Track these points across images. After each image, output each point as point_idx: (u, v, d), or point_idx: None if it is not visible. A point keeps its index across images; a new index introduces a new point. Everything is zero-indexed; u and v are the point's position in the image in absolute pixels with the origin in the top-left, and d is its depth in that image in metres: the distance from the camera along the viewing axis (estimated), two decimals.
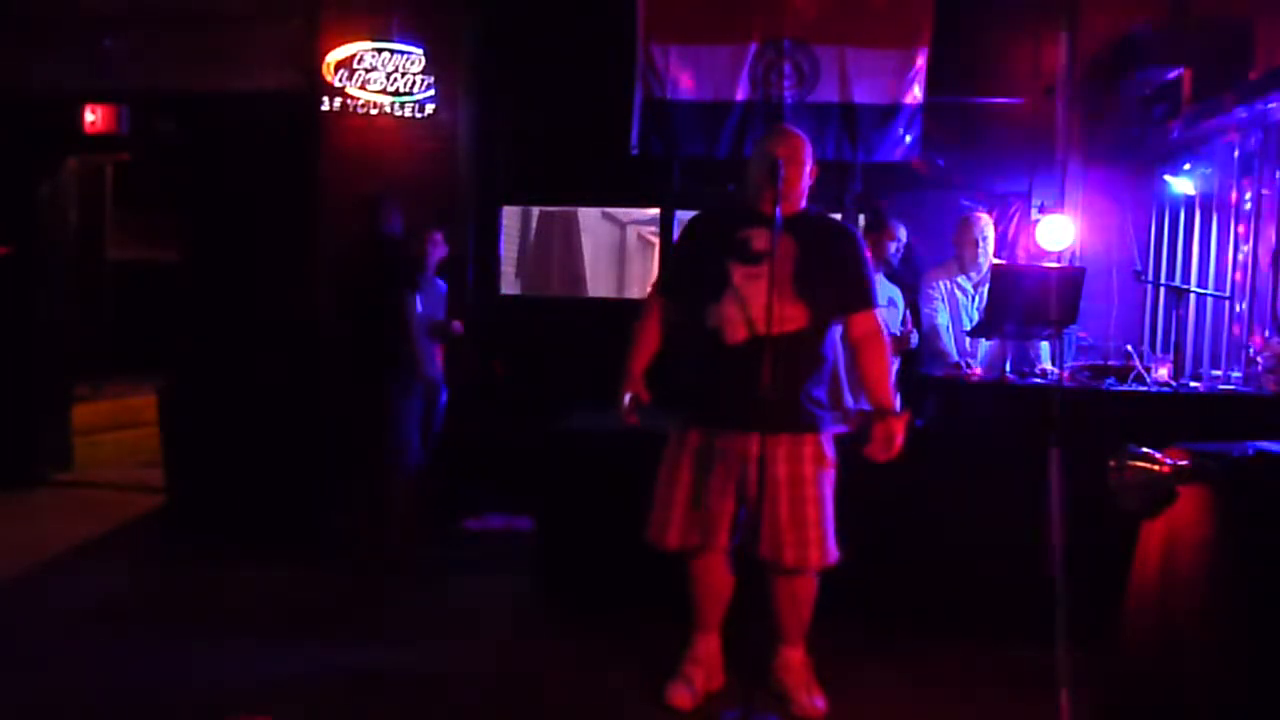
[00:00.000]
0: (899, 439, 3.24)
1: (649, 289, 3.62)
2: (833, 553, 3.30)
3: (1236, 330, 5.01)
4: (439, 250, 5.29)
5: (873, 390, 3.35)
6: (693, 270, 3.38)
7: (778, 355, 3.14)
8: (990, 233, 5.08)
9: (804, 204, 3.38)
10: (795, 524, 3.24)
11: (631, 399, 3.42)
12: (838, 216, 5.67)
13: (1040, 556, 3.94)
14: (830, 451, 3.36)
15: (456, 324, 5.30)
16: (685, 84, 5.80)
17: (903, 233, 5.07)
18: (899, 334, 4.96)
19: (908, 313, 5.04)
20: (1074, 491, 3.73)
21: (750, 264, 3.22)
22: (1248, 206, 4.99)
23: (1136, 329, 5.55)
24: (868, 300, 3.35)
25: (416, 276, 5.10)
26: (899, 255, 5.07)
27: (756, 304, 3.15)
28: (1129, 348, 4.61)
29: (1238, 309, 5.02)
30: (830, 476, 3.34)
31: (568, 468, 4.44)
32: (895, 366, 5.05)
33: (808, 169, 3.33)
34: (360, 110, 5.87)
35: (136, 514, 6.14)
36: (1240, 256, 5.04)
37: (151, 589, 4.75)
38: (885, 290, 4.93)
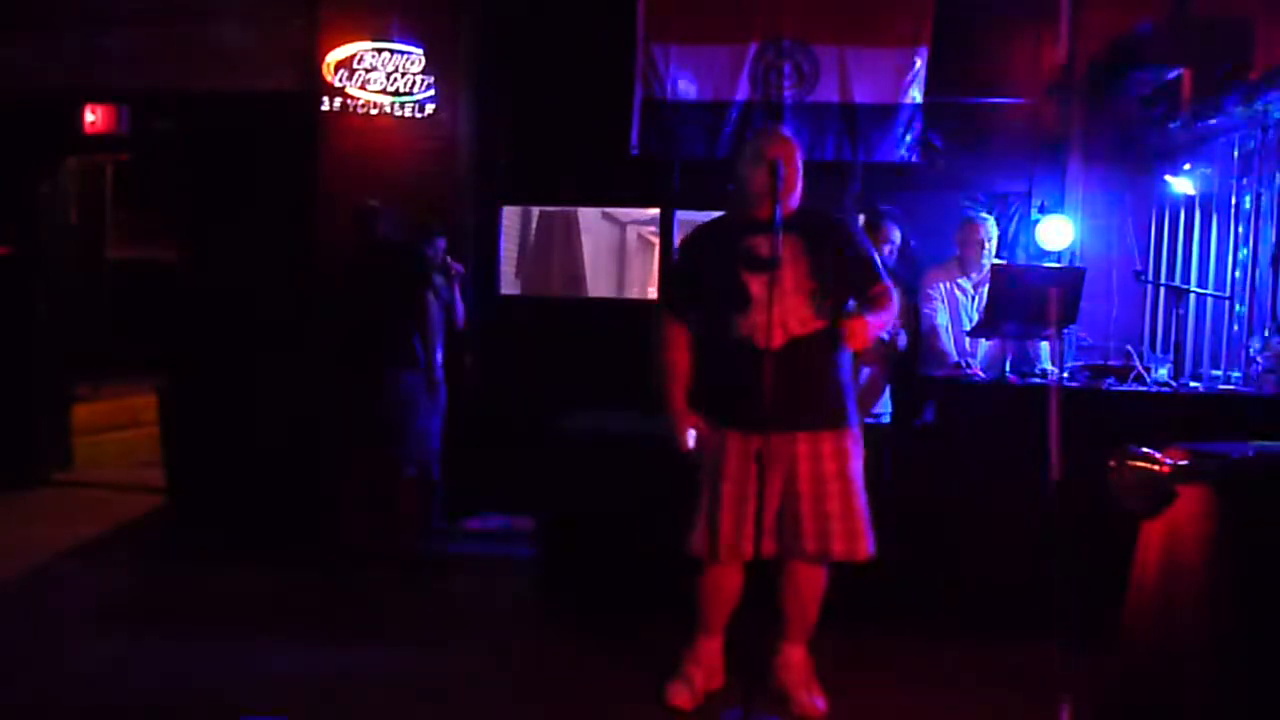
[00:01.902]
0: (867, 331, 3.26)
1: (659, 313, 3.54)
2: (873, 542, 3.32)
3: (1236, 330, 5.01)
4: (439, 255, 5.32)
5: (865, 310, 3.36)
6: (704, 284, 3.39)
7: (810, 355, 3.24)
8: (993, 233, 5.08)
9: (796, 203, 3.38)
10: (845, 515, 3.28)
11: (689, 431, 3.38)
12: None
13: (1040, 556, 3.95)
14: (862, 442, 3.40)
15: (458, 266, 5.36)
16: (685, 84, 5.80)
17: (897, 235, 5.08)
18: (887, 338, 4.96)
19: (898, 315, 5.05)
20: (1074, 491, 3.74)
21: (763, 271, 3.23)
22: (1248, 206, 4.99)
23: (1136, 329, 5.55)
24: (876, 275, 3.40)
25: (434, 277, 5.14)
26: (893, 258, 5.08)
27: (779, 309, 3.17)
28: (1129, 348, 4.61)
29: (1238, 309, 5.02)
30: (862, 466, 3.38)
31: (568, 468, 4.43)
32: (880, 370, 5.08)
33: (800, 169, 3.35)
34: (360, 110, 5.87)
35: (136, 514, 6.14)
36: (1240, 256, 5.04)
37: (151, 589, 4.75)
38: None
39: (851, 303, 3.39)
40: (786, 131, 3.46)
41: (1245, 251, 5.00)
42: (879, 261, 3.46)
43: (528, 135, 6.13)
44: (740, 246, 3.32)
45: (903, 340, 4.95)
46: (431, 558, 5.07)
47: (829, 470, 3.29)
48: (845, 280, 3.35)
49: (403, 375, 4.96)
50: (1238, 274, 5.05)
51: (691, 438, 3.37)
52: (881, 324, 3.38)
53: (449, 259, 5.43)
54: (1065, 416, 3.98)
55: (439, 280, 5.29)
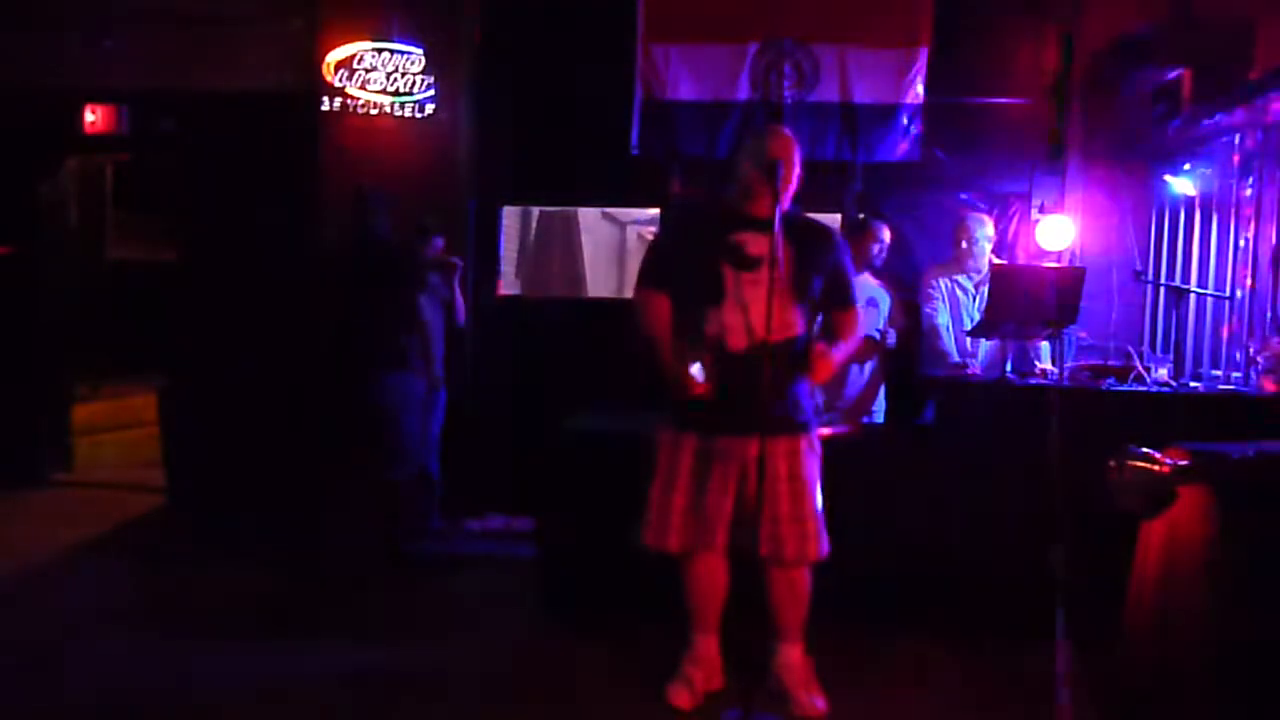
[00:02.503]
0: (833, 369, 3.36)
1: (638, 290, 3.50)
2: (826, 544, 3.35)
3: (1235, 329, 5.01)
4: (437, 254, 5.33)
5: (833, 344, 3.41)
6: (684, 270, 3.37)
7: (778, 360, 3.20)
8: (990, 232, 5.08)
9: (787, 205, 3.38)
10: (796, 519, 3.29)
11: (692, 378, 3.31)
12: (838, 217, 5.67)
13: (1041, 557, 3.95)
14: (819, 446, 3.42)
15: (457, 261, 5.36)
16: (685, 84, 5.80)
17: (886, 234, 5.08)
18: (877, 336, 4.97)
19: (889, 313, 5.05)
20: (1074, 491, 3.74)
21: (749, 270, 3.22)
22: (1247, 206, 4.99)
23: (1136, 329, 5.54)
24: (849, 301, 3.46)
25: (427, 277, 5.14)
26: (881, 257, 5.08)
27: (758, 311, 3.16)
28: (1129, 348, 4.60)
29: (1237, 309, 5.01)
30: (818, 471, 3.40)
31: (568, 468, 4.43)
32: (874, 366, 5.08)
33: (797, 170, 3.33)
34: (360, 110, 5.86)
35: (136, 514, 6.13)
36: (1240, 256, 5.04)
37: (151, 589, 4.75)
38: (867, 291, 4.94)
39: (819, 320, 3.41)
40: (787, 131, 3.43)
41: (1245, 251, 4.99)
42: (855, 287, 3.48)
43: (528, 135, 6.13)
44: (726, 240, 3.29)
45: (892, 338, 4.96)
46: (431, 558, 5.07)
47: (782, 472, 3.28)
48: (825, 295, 3.37)
49: (397, 375, 4.96)
50: (1238, 274, 5.05)
51: (699, 373, 3.26)
52: (844, 356, 3.43)
53: (448, 257, 5.43)
54: (1065, 416, 3.98)
55: (435, 280, 5.29)
